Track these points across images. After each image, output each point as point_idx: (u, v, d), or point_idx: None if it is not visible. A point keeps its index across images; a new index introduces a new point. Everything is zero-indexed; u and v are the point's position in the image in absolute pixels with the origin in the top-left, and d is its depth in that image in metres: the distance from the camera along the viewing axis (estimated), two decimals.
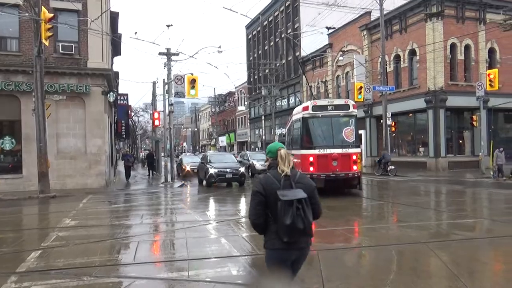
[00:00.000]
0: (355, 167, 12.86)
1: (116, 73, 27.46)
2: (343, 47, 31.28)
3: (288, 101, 43.16)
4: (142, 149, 63.63)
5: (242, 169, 17.79)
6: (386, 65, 25.44)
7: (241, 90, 55.69)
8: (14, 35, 16.94)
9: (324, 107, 13.35)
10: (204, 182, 17.80)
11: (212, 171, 17.03)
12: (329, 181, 12.77)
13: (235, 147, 60.01)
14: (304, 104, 14.66)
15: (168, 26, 22.24)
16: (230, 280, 4.96)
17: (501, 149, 17.66)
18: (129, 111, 36.22)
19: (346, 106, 13.40)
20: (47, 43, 14.01)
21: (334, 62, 33.15)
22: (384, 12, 23.67)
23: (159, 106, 32.85)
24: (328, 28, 32.55)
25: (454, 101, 23.03)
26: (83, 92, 17.31)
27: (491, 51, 24.73)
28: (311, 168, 12.71)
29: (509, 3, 22.88)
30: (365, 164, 27.40)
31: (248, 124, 55.23)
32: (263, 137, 44.53)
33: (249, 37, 54.65)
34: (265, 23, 48.67)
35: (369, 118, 28.72)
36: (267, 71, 39.85)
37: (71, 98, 17.41)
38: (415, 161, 24.60)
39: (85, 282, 4.98)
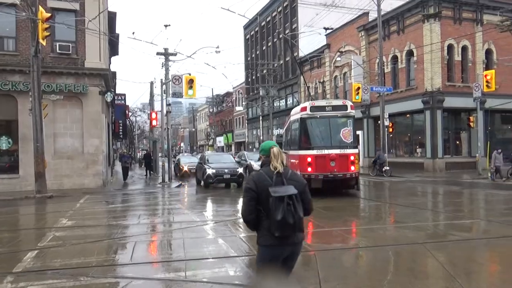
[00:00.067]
0: (353, 168, 12.88)
1: (114, 73, 27.38)
2: (341, 48, 31.35)
3: (286, 101, 43.20)
4: (140, 149, 63.55)
5: (240, 170, 17.77)
6: (384, 66, 25.49)
7: (239, 91, 55.62)
8: (11, 35, 16.87)
9: (322, 108, 13.38)
10: (202, 183, 17.78)
11: (209, 171, 17.02)
12: (327, 181, 12.79)
13: (233, 148, 60.00)
14: (302, 105, 14.68)
15: (166, 26, 22.21)
16: (228, 281, 4.95)
17: (499, 150, 17.72)
18: (127, 111, 36.12)
19: (344, 107, 13.43)
20: (44, 43, 13.97)
21: (332, 62, 33.19)
22: (382, 13, 23.72)
23: (157, 106, 32.71)
24: (326, 29, 32.59)
25: (451, 102, 23.11)
26: (80, 92, 17.26)
27: (488, 52, 24.82)
28: (309, 169, 12.72)
29: (506, 4, 22.97)
30: (363, 165, 27.43)
31: (246, 124, 55.22)
32: (261, 138, 44.54)
33: (247, 38, 54.66)
34: (263, 24, 48.69)
35: (366, 118, 28.78)
36: (265, 71, 39.86)
37: (68, 98, 17.36)
38: (412, 162, 24.67)
39: (81, 283, 4.97)
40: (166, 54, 22.02)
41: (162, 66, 22.37)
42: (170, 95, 21.11)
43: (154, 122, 26.61)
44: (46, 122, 15.78)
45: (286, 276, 3.24)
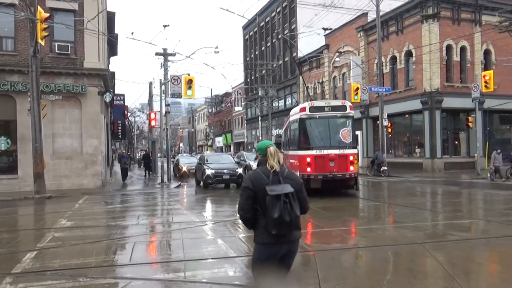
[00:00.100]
0: (352, 168, 12.89)
1: (113, 73, 27.36)
2: (340, 48, 31.38)
3: (285, 102, 43.22)
4: (139, 149, 63.52)
5: (240, 170, 17.73)
6: (383, 66, 25.52)
7: (238, 91, 55.65)
8: (10, 35, 16.84)
9: (321, 108, 13.40)
10: (201, 183, 17.76)
11: (209, 172, 16.99)
12: (326, 181, 12.80)
13: (232, 148, 59.99)
14: (301, 105, 14.69)
15: (165, 26, 22.18)
16: (227, 281, 4.95)
17: (499, 150, 17.74)
18: (126, 112, 36.08)
19: (343, 107, 13.45)
20: (43, 43, 13.95)
21: (330, 63, 33.22)
22: (381, 14, 23.75)
23: (156, 106, 32.75)
24: (325, 29, 32.58)
25: (450, 102, 23.15)
26: (79, 92, 17.24)
27: (487, 53, 24.88)
28: (309, 169, 12.73)
29: (505, 5, 23.03)
30: (362, 165, 27.46)
31: (245, 124, 55.23)
32: (260, 138, 44.54)
33: (246, 38, 54.67)
34: (262, 24, 48.71)
35: (365, 119, 28.80)
36: (264, 71, 39.86)
37: (67, 98, 17.33)
38: (411, 162, 24.70)
39: (81, 283, 4.96)
40: (165, 54, 22.00)
41: (161, 67, 22.36)
42: (169, 96, 21.09)
43: (153, 123, 26.60)
44: (45, 122, 15.75)
45: (285, 274, 3.26)
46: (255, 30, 50.81)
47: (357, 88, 23.64)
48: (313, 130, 13.48)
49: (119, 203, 13.48)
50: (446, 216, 9.64)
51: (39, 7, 13.80)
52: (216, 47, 22.38)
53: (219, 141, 64.26)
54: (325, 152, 12.68)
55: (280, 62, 43.12)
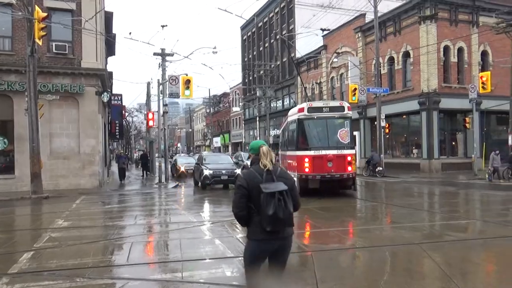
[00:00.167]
0: (349, 168, 12.92)
1: (110, 73, 27.30)
2: (338, 49, 31.41)
3: (283, 102, 43.22)
4: (136, 149, 63.35)
5: (238, 171, 17.68)
6: (380, 67, 25.58)
7: (235, 91, 55.66)
8: (7, 34, 16.78)
9: (319, 109, 13.43)
10: (199, 183, 17.73)
11: (206, 172, 16.95)
12: (324, 181, 12.83)
13: (230, 148, 59.97)
14: (299, 106, 14.72)
15: (163, 26, 22.17)
16: (224, 282, 4.95)
17: (497, 151, 17.80)
18: (123, 112, 36.03)
19: (341, 108, 13.48)
20: (40, 43, 13.91)
21: (328, 63, 33.26)
22: (379, 15, 23.82)
23: (154, 106, 32.83)
24: (323, 30, 32.65)
25: (447, 103, 23.22)
26: (76, 92, 17.19)
27: (484, 54, 24.97)
28: (307, 169, 12.76)
29: (502, 6, 23.13)
30: (359, 165, 27.49)
31: (243, 125, 55.22)
32: (258, 138, 44.53)
33: (244, 38, 54.67)
34: (260, 24, 48.73)
35: (363, 119, 28.85)
36: (262, 72, 39.88)
37: (65, 98, 17.28)
38: (408, 163, 24.76)
39: (78, 284, 4.94)
40: (163, 54, 21.98)
41: (159, 67, 22.35)
42: (167, 96, 21.08)
43: (150, 123, 26.55)
44: (42, 122, 15.69)
45: (281, 271, 3.33)
46: (253, 30, 50.82)
47: (355, 89, 23.68)
48: (311, 131, 13.51)
49: (116, 203, 13.45)
50: (443, 217, 9.67)
51: (36, 6, 13.76)
52: (214, 48, 22.42)
53: (217, 141, 64.22)
54: (323, 152, 12.70)
55: (278, 62, 43.14)
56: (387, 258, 5.92)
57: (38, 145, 14.65)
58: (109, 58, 28.98)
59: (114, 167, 29.04)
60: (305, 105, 13.79)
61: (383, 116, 23.36)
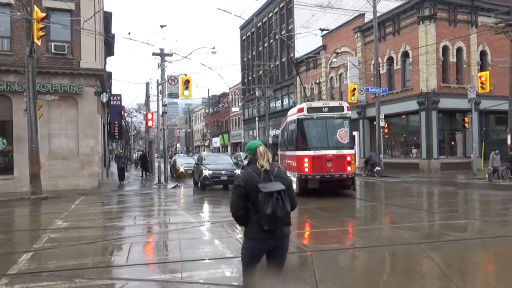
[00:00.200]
0: (349, 168, 12.94)
1: (109, 74, 27.30)
2: (337, 49, 31.44)
3: (282, 102, 43.23)
4: (135, 150, 63.33)
5: (238, 171, 17.68)
6: (379, 67, 25.60)
7: (235, 91, 55.67)
8: (6, 34, 16.77)
9: (318, 109, 13.45)
10: (199, 184, 17.71)
11: (206, 172, 16.93)
12: (324, 181, 12.84)
13: (229, 148, 59.95)
14: (299, 106, 14.73)
15: (162, 26, 22.17)
16: (224, 282, 4.95)
17: (497, 151, 17.81)
18: (122, 112, 36.01)
19: (341, 108, 13.50)
20: (39, 43, 13.89)
21: (327, 63, 33.28)
22: (378, 15, 23.82)
23: (153, 107, 32.75)
24: (322, 30, 32.68)
25: (446, 103, 23.24)
26: (75, 92, 17.18)
27: (483, 54, 25.00)
28: (306, 169, 12.77)
29: (500, 6, 23.15)
30: (358, 165, 27.51)
31: (242, 125, 55.22)
32: (257, 138, 44.54)
33: (243, 38, 54.67)
34: (259, 24, 48.74)
35: (362, 119, 28.87)
36: (261, 72, 39.89)
37: (64, 99, 17.27)
38: (407, 163, 24.78)
39: (77, 284, 4.94)
40: (162, 54, 21.98)
41: (158, 67, 22.35)
42: (166, 96, 21.07)
43: (150, 123, 26.51)
44: (41, 122, 15.68)
45: (280, 269, 3.37)
46: (252, 30, 50.83)
47: (354, 89, 23.68)
48: (311, 131, 13.53)
49: (115, 204, 13.44)
50: (442, 217, 9.68)
51: (35, 6, 13.75)
52: (213, 48, 22.38)
53: (216, 141, 64.22)
54: (323, 152, 12.72)
55: (277, 62, 43.15)
56: (386, 258, 5.93)
57: (37, 145, 14.64)
58: (108, 58, 28.97)
59: (114, 168, 29.02)
60: (304, 105, 13.80)
61: (382, 116, 23.38)
